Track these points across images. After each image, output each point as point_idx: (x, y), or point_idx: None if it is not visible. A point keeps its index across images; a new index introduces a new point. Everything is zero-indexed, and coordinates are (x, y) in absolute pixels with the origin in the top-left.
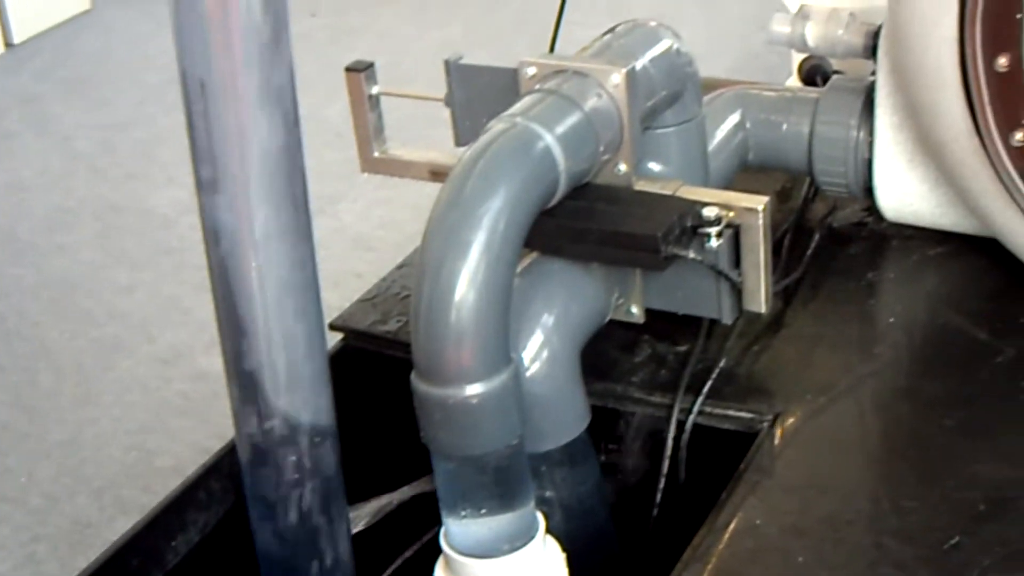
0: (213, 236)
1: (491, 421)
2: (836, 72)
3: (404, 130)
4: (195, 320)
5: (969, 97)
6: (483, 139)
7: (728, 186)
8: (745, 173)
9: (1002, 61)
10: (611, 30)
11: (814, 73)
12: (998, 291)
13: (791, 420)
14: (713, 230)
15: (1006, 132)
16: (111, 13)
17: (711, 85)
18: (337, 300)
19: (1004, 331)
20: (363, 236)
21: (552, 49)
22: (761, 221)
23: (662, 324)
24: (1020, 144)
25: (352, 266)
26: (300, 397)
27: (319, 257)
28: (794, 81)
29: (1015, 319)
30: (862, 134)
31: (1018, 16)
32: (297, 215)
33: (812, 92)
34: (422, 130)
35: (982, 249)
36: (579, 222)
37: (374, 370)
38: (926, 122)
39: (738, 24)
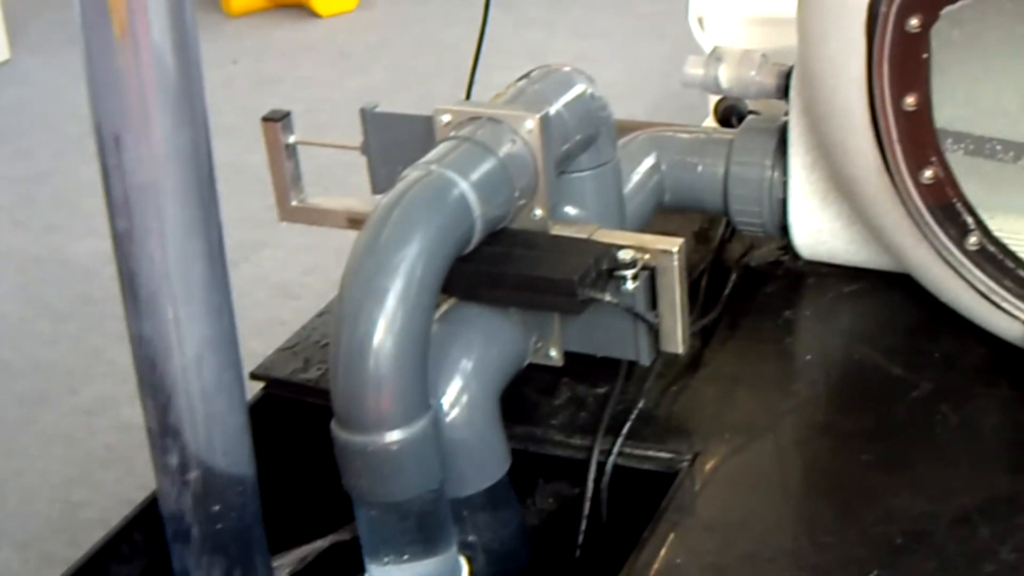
0: (130, 288)
1: (411, 467)
2: (751, 112)
3: (326, 176)
4: (119, 371)
5: (878, 136)
6: (399, 187)
7: (645, 228)
8: (663, 214)
9: (909, 100)
10: (526, 75)
11: (729, 114)
12: (912, 326)
13: (710, 459)
14: (629, 273)
15: (915, 169)
16: (29, 63)
17: (626, 128)
18: (262, 348)
19: (919, 366)
20: (287, 283)
21: (468, 95)
22: (676, 263)
23: (581, 366)
24: (929, 181)
25: (276, 314)
26: (220, 448)
27: (242, 305)
28: (711, 122)
29: (929, 354)
30: (776, 174)
31: (924, 56)
32: (213, 265)
33: (726, 133)
34: (345, 176)
35: (896, 285)
36: (496, 267)
37: (296, 418)
38: (838, 161)
39: (657, 64)
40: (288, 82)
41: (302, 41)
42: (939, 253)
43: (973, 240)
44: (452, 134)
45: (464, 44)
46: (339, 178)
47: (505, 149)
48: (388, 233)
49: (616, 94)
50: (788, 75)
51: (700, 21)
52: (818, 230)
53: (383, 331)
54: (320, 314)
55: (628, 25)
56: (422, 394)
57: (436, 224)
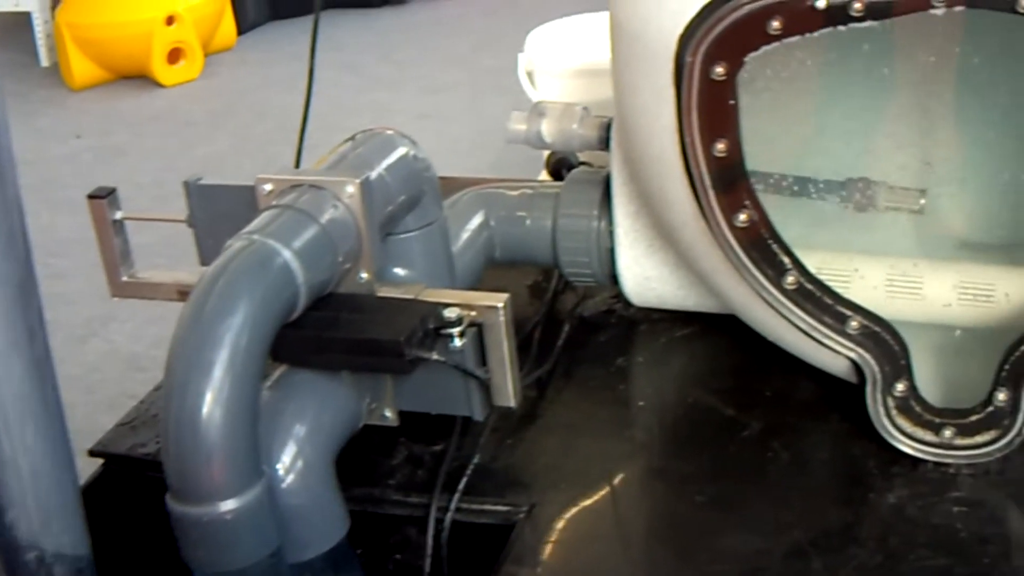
0: None
1: (247, 535)
2: (582, 164)
3: (171, 246)
4: None
5: (693, 183)
6: (221, 258)
7: (476, 284)
8: (498, 270)
9: (720, 147)
10: (349, 139)
11: (560, 166)
12: (743, 367)
13: (548, 509)
14: (455, 330)
15: (730, 214)
16: None
17: (454, 186)
18: (112, 423)
19: (750, 405)
20: (137, 356)
21: (298, 163)
22: (502, 318)
23: (418, 425)
24: (744, 224)
25: (127, 388)
26: (55, 528)
27: (92, 380)
28: (545, 175)
29: (760, 393)
30: (603, 224)
31: (731, 103)
32: (35, 347)
33: (553, 187)
34: (189, 245)
35: (726, 327)
36: (324, 332)
37: (137, 493)
38: (658, 209)
39: (501, 118)
40: (133, 154)
41: (146, 112)
42: (759, 294)
43: (791, 279)
44: (274, 202)
45: None
46: (183, 248)
47: (327, 215)
48: (212, 304)
49: (462, 149)
50: (609, 127)
51: (530, 76)
52: (646, 277)
53: (211, 402)
54: (157, 388)
55: (472, 81)
56: (254, 462)
57: (259, 293)
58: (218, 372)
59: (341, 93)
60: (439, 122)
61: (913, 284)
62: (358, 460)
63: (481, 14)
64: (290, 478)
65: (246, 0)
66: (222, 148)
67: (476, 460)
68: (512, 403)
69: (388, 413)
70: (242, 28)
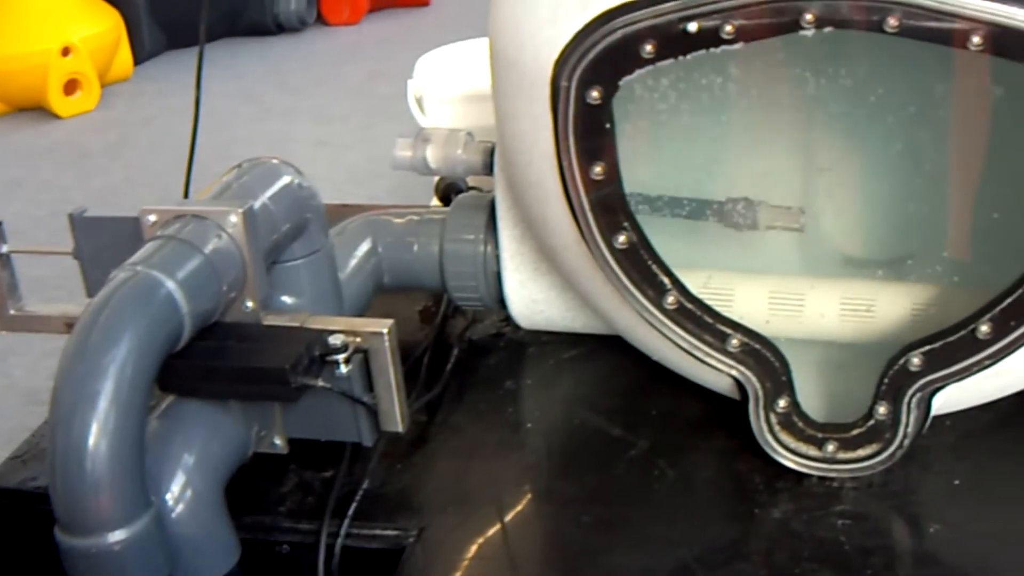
0: None
1: (137, 566)
2: (472, 188)
3: (70, 279)
4: None
5: (572, 206)
6: (105, 290)
7: (366, 311)
8: (389, 296)
9: (597, 170)
10: (234, 168)
11: (449, 191)
12: (630, 387)
13: (437, 533)
14: (341, 357)
15: (609, 236)
16: None
17: (344, 213)
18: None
19: (636, 424)
20: (35, 390)
21: (186, 193)
22: (387, 343)
23: (307, 452)
24: (623, 246)
25: (25, 421)
26: None
27: None
28: (436, 201)
29: (647, 412)
30: (489, 248)
31: (608, 126)
32: None
33: (440, 212)
34: None
35: (614, 348)
36: (210, 361)
37: (30, 527)
38: (540, 233)
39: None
40: (30, 186)
41: (43, 143)
42: (641, 315)
43: (671, 300)
44: (158, 233)
45: (203, 138)
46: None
47: (211, 245)
48: (96, 336)
49: (359, 176)
50: (493, 151)
51: (419, 102)
52: (533, 300)
53: (97, 433)
54: (47, 421)
55: (367, 108)
56: (142, 492)
57: (143, 324)
58: (103, 403)
59: (238, 123)
60: (336, 150)
61: (795, 301)
62: (248, 488)
63: (376, 42)
64: (179, 508)
65: (142, 30)
66: (119, 179)
67: (366, 485)
68: (400, 428)
69: (277, 441)
70: (139, 58)
